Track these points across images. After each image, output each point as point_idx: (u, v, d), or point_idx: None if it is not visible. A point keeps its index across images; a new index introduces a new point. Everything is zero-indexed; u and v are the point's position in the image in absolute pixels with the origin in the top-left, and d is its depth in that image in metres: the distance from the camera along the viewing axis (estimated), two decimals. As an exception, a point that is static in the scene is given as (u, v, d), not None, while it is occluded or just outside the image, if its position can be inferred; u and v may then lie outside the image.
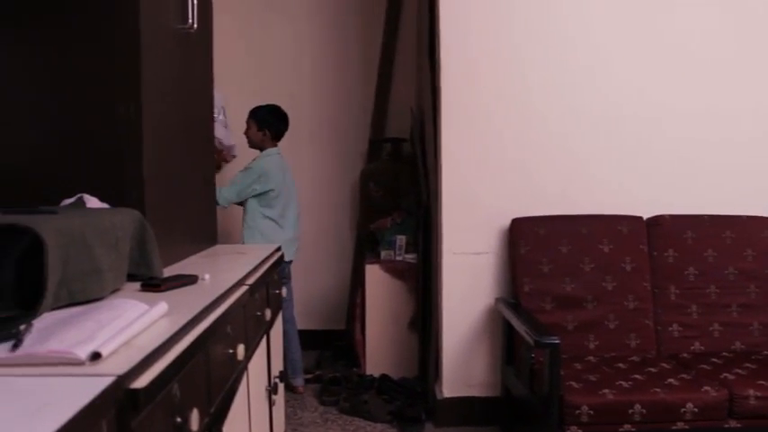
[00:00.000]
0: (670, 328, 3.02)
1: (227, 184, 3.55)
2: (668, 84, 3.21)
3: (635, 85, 3.20)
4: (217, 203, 3.56)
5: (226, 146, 3.87)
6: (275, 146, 3.67)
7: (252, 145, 3.68)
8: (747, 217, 3.15)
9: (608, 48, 3.20)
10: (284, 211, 3.64)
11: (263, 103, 3.66)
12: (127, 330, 0.97)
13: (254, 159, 3.62)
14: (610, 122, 3.20)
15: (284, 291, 2.73)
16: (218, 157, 3.70)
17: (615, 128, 3.20)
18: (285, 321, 3.34)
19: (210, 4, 2.38)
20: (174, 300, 1.25)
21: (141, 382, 0.85)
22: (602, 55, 3.20)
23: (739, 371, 2.68)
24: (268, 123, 3.62)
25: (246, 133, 3.66)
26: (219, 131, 3.50)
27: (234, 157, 4.11)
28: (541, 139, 3.18)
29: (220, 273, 1.72)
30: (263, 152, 3.63)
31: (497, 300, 3.12)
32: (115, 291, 1.34)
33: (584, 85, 3.20)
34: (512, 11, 3.16)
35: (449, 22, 3.15)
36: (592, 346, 2.95)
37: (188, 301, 1.28)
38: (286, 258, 3.53)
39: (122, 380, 0.81)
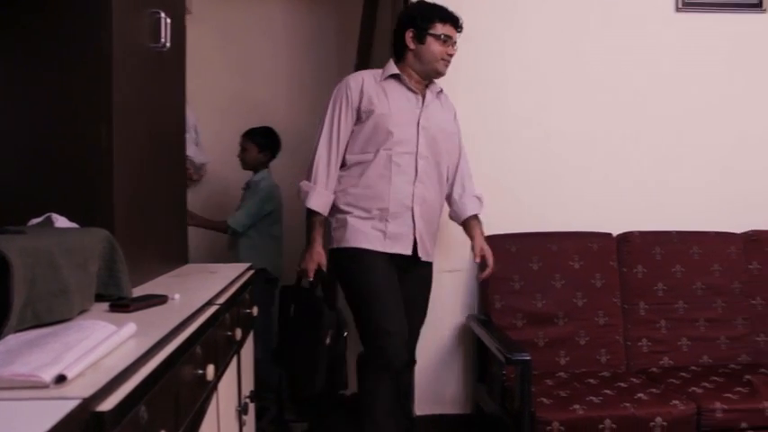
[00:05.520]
0: (639, 344, 3.06)
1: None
2: (637, 104, 3.27)
3: (607, 106, 3.26)
4: (233, 231, 3.62)
5: (196, 164, 3.87)
6: (267, 167, 3.78)
7: (246, 167, 3.76)
8: (714, 233, 3.21)
9: (583, 69, 3.26)
10: (280, 229, 3.78)
11: (257, 126, 3.78)
12: (94, 352, 0.97)
13: (254, 180, 3.71)
14: (581, 142, 3.25)
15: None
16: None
17: (587, 147, 3.25)
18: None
19: (184, 22, 2.38)
20: (143, 320, 1.24)
21: (107, 404, 0.84)
22: (577, 76, 3.25)
23: (707, 384, 2.73)
24: (267, 146, 3.74)
25: (243, 156, 3.73)
26: (190, 149, 3.49)
27: (202, 175, 4.11)
28: (513, 157, 3.22)
29: (190, 292, 1.71)
30: (261, 173, 3.72)
31: (469, 317, 3.14)
32: (83, 311, 1.33)
33: (558, 106, 3.25)
34: (483, 32, 3.20)
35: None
36: (563, 362, 2.98)
37: (157, 322, 1.27)
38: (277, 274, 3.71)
39: (88, 403, 0.81)
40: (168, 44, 2.00)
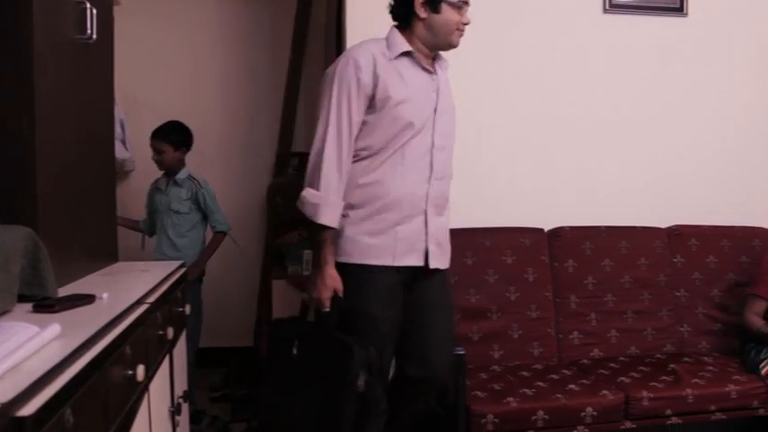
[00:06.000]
0: (571, 336, 3.12)
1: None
2: (566, 103, 3.34)
3: (536, 104, 3.31)
4: (227, 231, 3.56)
5: (118, 161, 3.72)
6: (185, 162, 3.59)
7: (164, 168, 3.54)
8: (641, 228, 3.30)
9: (513, 68, 3.30)
10: None
11: (165, 121, 3.54)
12: (14, 355, 0.93)
13: (181, 179, 3.50)
14: (513, 138, 3.30)
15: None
16: None
17: (518, 143, 3.30)
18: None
19: (111, 14, 2.31)
20: (69, 321, 1.20)
21: (29, 409, 0.81)
22: (507, 74, 3.30)
23: (634, 374, 2.81)
24: (183, 142, 3.53)
25: (160, 158, 3.50)
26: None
27: (128, 172, 4.02)
28: (446, 154, 3.24)
29: (120, 291, 1.67)
30: (185, 169, 3.53)
31: (405, 312, 3.15)
32: (5, 313, 1.28)
33: (489, 100, 3.28)
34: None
35: (355, 35, 3.16)
36: (497, 355, 3.02)
37: (83, 322, 1.23)
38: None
39: (7, 408, 0.78)
40: (95, 36, 1.94)
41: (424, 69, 2.25)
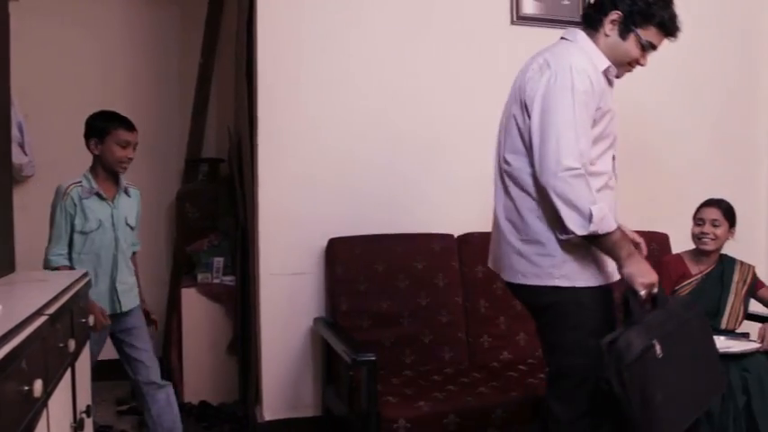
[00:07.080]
0: (481, 340, 3.18)
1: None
2: (474, 111, 3.38)
3: (445, 112, 3.36)
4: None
5: (15, 166, 3.51)
6: None
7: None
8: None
9: (421, 76, 3.34)
10: None
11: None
12: None
13: (126, 186, 2.97)
14: (424, 145, 3.33)
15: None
16: None
17: (429, 151, 3.34)
18: None
19: (7, 11, 2.21)
20: (-42, 335, 1.14)
21: None
22: (419, 81, 3.33)
23: (542, 375, 2.88)
24: None
25: (131, 156, 2.91)
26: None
27: (26, 177, 3.84)
28: (359, 160, 3.25)
29: (16, 302, 1.60)
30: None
31: (316, 320, 3.14)
32: None
33: (404, 109, 3.31)
34: (329, 32, 3.21)
35: (266, 41, 3.15)
36: (408, 360, 3.04)
37: (-26, 336, 1.17)
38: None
39: None
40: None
41: (610, 84, 2.13)
